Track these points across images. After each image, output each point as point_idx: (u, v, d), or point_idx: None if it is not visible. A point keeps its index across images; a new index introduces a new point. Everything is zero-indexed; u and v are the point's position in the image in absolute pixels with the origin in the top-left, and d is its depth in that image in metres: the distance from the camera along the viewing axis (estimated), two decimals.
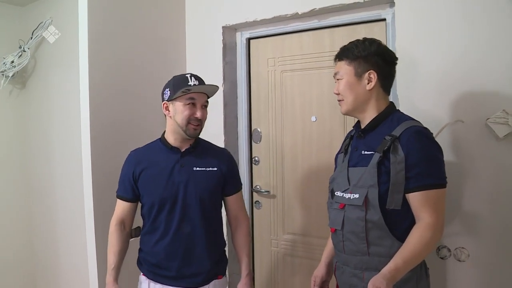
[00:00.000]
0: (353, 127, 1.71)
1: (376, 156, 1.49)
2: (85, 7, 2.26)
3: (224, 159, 1.94)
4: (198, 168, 1.87)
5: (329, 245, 1.79)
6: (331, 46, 2.39)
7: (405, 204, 1.48)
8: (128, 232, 1.97)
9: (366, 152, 1.56)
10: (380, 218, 1.47)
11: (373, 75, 1.56)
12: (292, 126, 2.58)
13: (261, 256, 2.77)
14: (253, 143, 2.77)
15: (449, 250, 1.94)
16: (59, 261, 3.23)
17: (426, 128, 1.54)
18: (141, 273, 1.94)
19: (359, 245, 1.53)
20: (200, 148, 1.93)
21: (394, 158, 1.45)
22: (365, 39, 1.61)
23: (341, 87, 1.61)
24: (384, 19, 2.22)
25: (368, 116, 1.60)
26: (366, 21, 2.29)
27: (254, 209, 2.77)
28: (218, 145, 2.05)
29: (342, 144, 1.77)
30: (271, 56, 2.64)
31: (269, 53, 2.66)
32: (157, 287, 1.87)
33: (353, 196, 1.53)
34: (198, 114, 1.81)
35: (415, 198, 1.45)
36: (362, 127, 1.64)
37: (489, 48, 1.83)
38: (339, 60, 1.63)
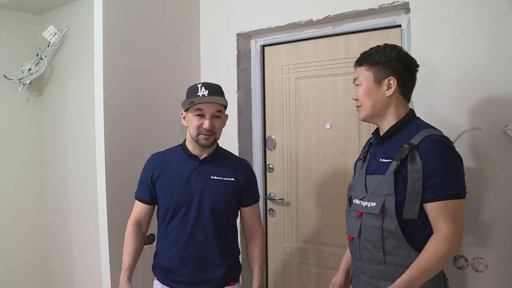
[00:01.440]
0: (372, 134, 1.69)
1: (394, 165, 1.47)
2: (100, 17, 2.28)
3: (242, 170, 1.94)
4: (215, 177, 1.88)
5: (348, 253, 1.76)
6: (346, 53, 2.38)
7: (423, 214, 1.45)
8: (144, 233, 1.99)
9: (384, 160, 1.54)
10: (397, 227, 1.45)
11: (393, 81, 1.54)
12: (307, 133, 2.57)
13: (275, 264, 2.75)
14: (267, 151, 2.76)
15: (466, 260, 1.89)
16: (73, 267, 3.26)
17: (446, 137, 1.50)
18: (155, 278, 1.95)
19: (375, 253, 1.51)
20: (220, 157, 1.94)
21: (411, 167, 1.43)
22: (386, 45, 1.59)
23: (360, 92, 1.59)
24: (400, 25, 2.20)
25: (387, 123, 1.58)
26: (381, 28, 2.27)
27: (268, 216, 2.76)
28: (237, 155, 2.05)
29: (362, 151, 1.75)
30: (286, 63, 2.64)
31: (283, 60, 2.65)
32: None
33: (370, 204, 1.51)
34: (206, 125, 1.81)
35: (432, 208, 1.42)
36: (381, 134, 1.62)
37: (506, 53, 1.79)
38: (359, 66, 1.62)
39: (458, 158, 1.49)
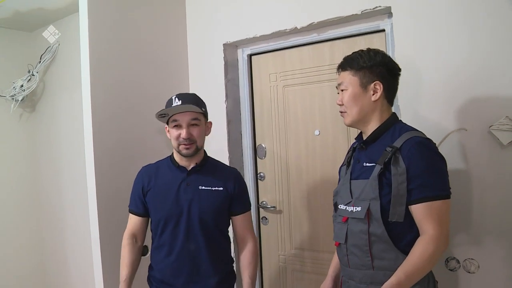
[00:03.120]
0: (355, 138, 1.69)
1: (377, 168, 1.47)
2: (86, 29, 2.29)
3: (231, 179, 1.93)
4: (203, 187, 1.88)
5: (335, 258, 1.76)
6: (331, 59, 2.39)
7: (409, 216, 1.44)
8: (140, 246, 1.98)
9: (367, 164, 1.54)
10: (384, 231, 1.44)
11: (379, 86, 1.54)
12: (296, 140, 2.57)
13: (270, 272, 2.74)
14: (258, 159, 2.76)
15: (458, 261, 1.89)
16: (69, 275, 3.27)
17: (428, 139, 1.50)
18: None
19: (363, 258, 1.50)
20: (208, 167, 1.93)
21: (395, 170, 1.43)
22: (369, 50, 1.59)
23: (345, 98, 1.57)
24: (383, 30, 2.21)
25: (371, 127, 1.58)
26: (365, 33, 2.28)
27: (261, 225, 2.75)
28: (226, 164, 2.04)
29: (346, 156, 1.75)
30: (273, 71, 2.65)
31: (270, 69, 2.66)
32: None
33: (356, 209, 1.51)
34: (183, 134, 1.81)
35: (417, 210, 1.41)
36: (364, 138, 1.61)
37: (491, 55, 1.81)
38: (342, 70, 1.60)
39: (441, 160, 1.48)
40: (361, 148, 1.62)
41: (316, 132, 2.46)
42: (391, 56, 2.09)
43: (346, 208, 1.56)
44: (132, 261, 1.92)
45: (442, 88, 1.92)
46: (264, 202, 2.72)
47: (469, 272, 1.86)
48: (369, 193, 1.47)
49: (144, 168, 2.01)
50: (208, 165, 1.94)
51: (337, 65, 1.65)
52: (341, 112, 1.62)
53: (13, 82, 3.19)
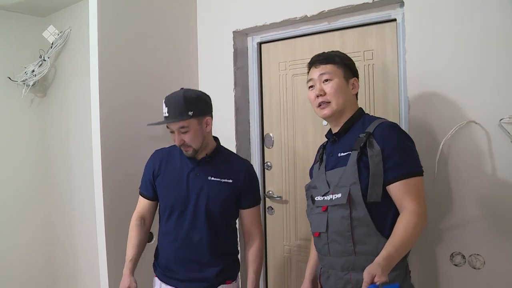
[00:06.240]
0: (325, 136, 1.76)
1: (354, 154, 1.52)
2: (95, 16, 2.30)
3: (242, 172, 1.91)
4: (213, 178, 1.87)
5: (312, 259, 1.81)
6: (342, 48, 2.30)
7: (386, 198, 1.50)
8: (148, 227, 2.01)
9: (342, 154, 1.59)
10: (366, 214, 1.49)
11: (356, 83, 1.68)
12: (304, 130, 2.55)
13: (274, 262, 2.74)
14: (265, 148, 2.75)
15: (463, 257, 1.86)
16: (78, 268, 3.28)
17: (396, 123, 1.59)
18: (155, 275, 1.98)
19: (345, 244, 1.53)
20: (219, 158, 1.92)
21: (371, 151, 1.49)
22: (338, 51, 1.73)
23: (331, 88, 1.63)
24: (395, 20, 2.16)
25: (343, 119, 1.65)
26: (376, 22, 2.24)
27: (267, 214, 2.74)
28: (240, 156, 2.03)
29: (316, 156, 1.81)
30: (282, 60, 2.62)
31: (280, 57, 2.64)
32: None
33: (336, 196, 1.54)
34: (176, 141, 1.82)
35: (396, 188, 1.47)
36: (334, 132, 1.68)
37: (502, 46, 1.75)
38: (327, 63, 1.66)
39: (411, 140, 1.57)
40: (333, 142, 1.68)
41: (324, 123, 2.42)
42: (401, 46, 2.10)
43: (324, 198, 1.59)
44: (139, 242, 1.95)
45: (451, 80, 1.88)
46: (270, 192, 2.71)
47: (475, 268, 1.83)
48: (349, 178, 1.52)
49: (156, 152, 2.03)
50: (219, 155, 1.93)
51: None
52: (322, 102, 1.64)
53: (25, 67, 3.21)
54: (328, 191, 1.58)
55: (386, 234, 1.46)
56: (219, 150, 1.94)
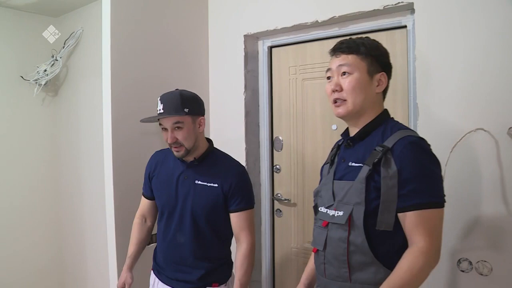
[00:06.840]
0: (341, 135, 1.54)
1: (365, 170, 1.32)
2: (108, 18, 2.33)
3: (229, 176, 1.86)
4: (199, 182, 1.87)
5: (310, 264, 1.62)
6: None
7: (395, 225, 1.30)
8: (149, 226, 2.08)
9: (354, 164, 1.38)
10: (364, 241, 1.30)
11: (384, 78, 1.42)
12: (313, 134, 2.57)
13: (282, 265, 2.76)
14: (274, 151, 2.77)
15: (470, 263, 1.87)
16: (87, 266, 3.31)
17: (422, 139, 1.35)
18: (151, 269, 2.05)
19: (340, 269, 1.36)
20: (208, 161, 1.91)
21: (385, 172, 1.27)
22: (368, 38, 1.46)
23: (350, 83, 1.38)
24: (405, 26, 2.18)
25: (362, 121, 1.42)
26: (387, 29, 2.25)
27: (275, 217, 2.77)
28: (234, 159, 1.97)
29: (329, 154, 1.59)
30: (293, 64, 2.64)
31: (290, 61, 2.66)
32: (159, 285, 1.96)
33: (337, 213, 1.36)
34: (168, 139, 1.82)
35: (408, 219, 1.27)
36: (352, 134, 1.46)
37: None
38: (348, 53, 1.41)
39: (437, 163, 1.33)
40: (347, 146, 1.46)
41: (334, 127, 2.45)
42: (411, 53, 2.10)
43: (327, 211, 1.41)
44: (139, 239, 2.03)
45: (461, 87, 1.89)
46: (279, 195, 2.73)
47: (482, 275, 1.84)
48: (354, 196, 1.33)
49: (155, 153, 2.08)
50: (209, 159, 1.91)
51: (332, 47, 1.48)
52: (337, 99, 1.41)
53: (37, 67, 3.25)
54: (332, 205, 1.40)
55: (389, 264, 1.29)
56: (211, 152, 1.93)
